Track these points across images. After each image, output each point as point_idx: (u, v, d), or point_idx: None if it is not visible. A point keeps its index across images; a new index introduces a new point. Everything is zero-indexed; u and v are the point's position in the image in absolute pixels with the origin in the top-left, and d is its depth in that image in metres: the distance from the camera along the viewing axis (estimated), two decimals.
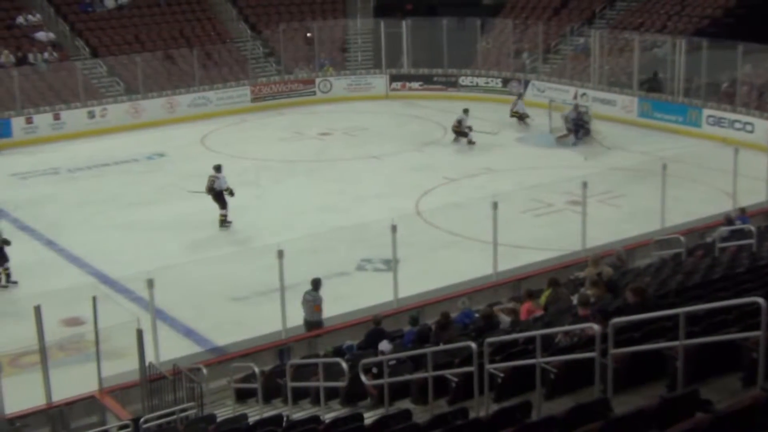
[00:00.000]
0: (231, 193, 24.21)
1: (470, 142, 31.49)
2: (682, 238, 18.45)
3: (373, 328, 15.37)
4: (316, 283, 17.37)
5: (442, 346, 12.39)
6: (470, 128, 31.64)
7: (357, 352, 15.05)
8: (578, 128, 31.27)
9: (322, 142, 33.15)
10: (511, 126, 34.33)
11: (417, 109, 37.89)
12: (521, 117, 35.22)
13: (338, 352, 15.02)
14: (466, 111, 31.94)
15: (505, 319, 14.86)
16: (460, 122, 31.98)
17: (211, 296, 19.77)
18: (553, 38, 40.09)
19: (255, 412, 13.87)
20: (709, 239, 19.08)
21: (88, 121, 35.89)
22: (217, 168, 24.57)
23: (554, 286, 15.62)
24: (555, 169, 27.70)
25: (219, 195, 24.30)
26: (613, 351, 9.43)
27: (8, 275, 21.08)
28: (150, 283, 15.66)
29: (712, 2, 37.15)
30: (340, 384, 13.00)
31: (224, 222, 24.23)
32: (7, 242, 21.00)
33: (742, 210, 20.17)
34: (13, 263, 21.91)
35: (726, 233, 18.37)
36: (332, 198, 26.49)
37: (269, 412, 13.47)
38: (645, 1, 39.41)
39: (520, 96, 36.74)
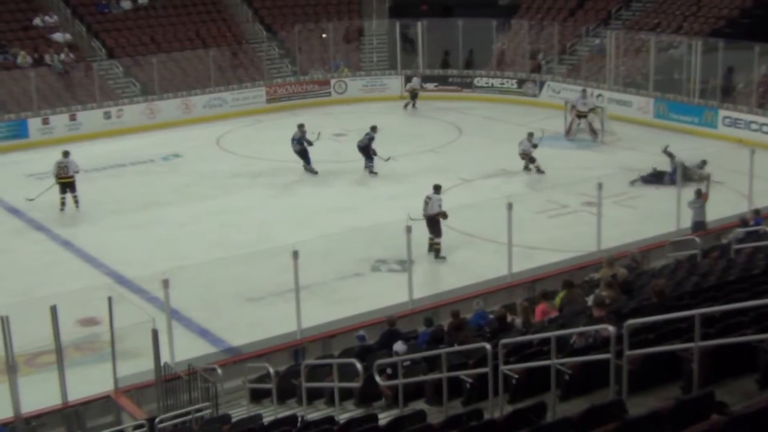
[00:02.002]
0: (444, 216, 21.94)
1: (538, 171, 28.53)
2: (697, 240, 18.41)
3: (388, 329, 15.39)
4: (699, 193, 21.30)
5: (456, 347, 12.39)
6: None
7: (367, 343, 15.13)
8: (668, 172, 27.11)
9: (337, 143, 33.16)
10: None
11: (432, 110, 37.86)
12: (413, 95, 38.37)
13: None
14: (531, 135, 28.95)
15: (517, 321, 14.87)
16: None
17: (226, 297, 19.80)
18: (569, 39, 39.98)
19: (269, 413, 13.90)
20: (724, 241, 19.05)
21: (104, 122, 36.02)
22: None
23: (569, 287, 15.62)
24: (570, 170, 27.66)
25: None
26: (628, 352, 9.41)
27: (76, 202, 26.08)
28: (165, 284, 15.71)
29: (729, 3, 37.01)
30: (355, 385, 13.01)
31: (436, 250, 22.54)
32: None
33: (757, 211, 20.12)
34: (27, 264, 22.09)
35: (742, 235, 18.32)
36: (347, 198, 26.53)
37: (284, 413, 13.49)
38: (661, 1, 39.28)
39: (415, 74, 39.65)
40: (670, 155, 25.79)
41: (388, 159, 28.75)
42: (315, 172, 29.04)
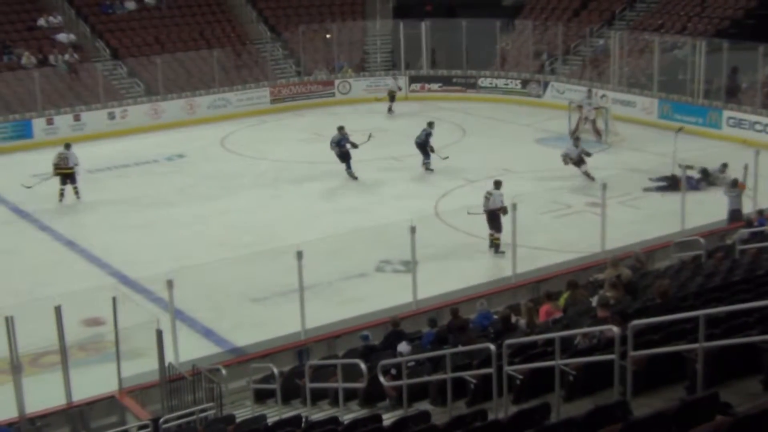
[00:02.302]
0: (505, 212, 21.24)
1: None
2: (702, 240, 18.37)
3: (392, 330, 15.39)
4: (735, 182, 21.74)
5: (461, 348, 12.39)
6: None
7: (371, 343, 15.13)
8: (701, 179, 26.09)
9: None
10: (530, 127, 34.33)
11: (436, 111, 37.83)
12: (391, 97, 38.02)
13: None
14: None
15: (521, 321, 14.87)
16: None
17: (230, 297, 19.81)
18: (573, 39, 39.99)
19: (274, 413, 13.91)
20: (729, 241, 19.01)
21: (108, 122, 36.09)
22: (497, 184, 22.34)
23: (573, 288, 15.61)
24: (574, 171, 27.61)
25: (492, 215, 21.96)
26: (632, 353, 9.41)
27: (77, 193, 27.00)
28: (170, 284, 15.72)
29: (733, 3, 36.98)
30: (359, 385, 13.01)
31: (496, 244, 21.79)
32: None
33: (761, 212, 20.11)
34: (33, 264, 22.13)
35: (746, 235, 18.29)
36: (351, 199, 26.53)
37: (288, 413, 13.50)
38: (665, 2, 39.26)
39: (394, 76, 39.67)
40: (690, 167, 25.45)
41: (446, 158, 28.67)
42: (355, 178, 28.28)
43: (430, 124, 28.93)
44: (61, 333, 14.72)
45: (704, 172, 25.73)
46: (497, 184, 21.93)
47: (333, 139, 28.42)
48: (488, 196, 21.75)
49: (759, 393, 8.86)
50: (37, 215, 25.96)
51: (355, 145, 28.35)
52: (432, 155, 28.81)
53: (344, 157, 28.37)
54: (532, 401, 10.37)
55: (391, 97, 38.39)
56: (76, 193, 27.00)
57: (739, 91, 33.27)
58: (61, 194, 26.87)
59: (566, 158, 27.54)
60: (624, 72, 36.81)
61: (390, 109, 38.14)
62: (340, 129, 28.53)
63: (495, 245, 21.65)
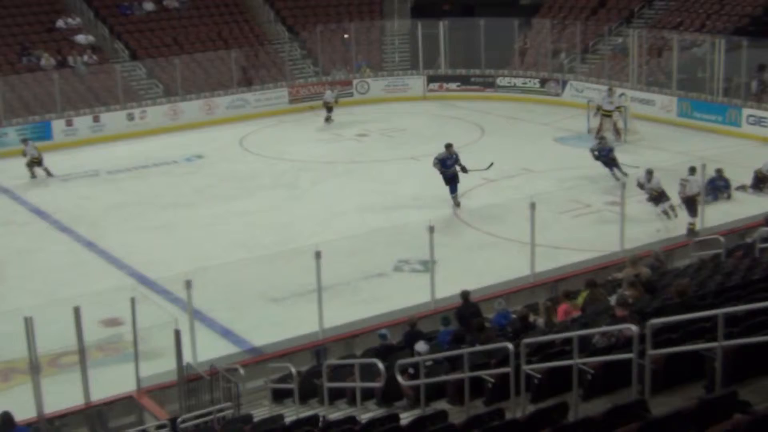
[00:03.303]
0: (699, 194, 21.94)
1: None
2: (721, 239, 18.29)
3: (409, 330, 15.38)
4: None
5: (478, 347, 12.36)
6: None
7: (389, 342, 15.12)
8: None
9: (360, 143, 33.18)
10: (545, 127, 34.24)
11: (454, 110, 37.82)
12: (328, 108, 36.64)
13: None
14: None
15: (540, 320, 14.84)
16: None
17: (248, 297, 19.82)
18: (591, 38, 39.83)
19: (291, 413, 13.92)
20: (749, 240, 18.90)
21: (127, 123, 36.19)
22: (692, 170, 21.82)
23: (592, 287, 15.58)
24: (593, 170, 27.50)
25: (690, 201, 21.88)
26: (650, 352, 9.37)
27: (49, 172, 30.29)
28: (188, 284, 15.75)
29: (752, 1, 36.76)
30: (377, 384, 13.00)
31: (692, 231, 21.42)
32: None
33: None
34: (53, 264, 22.20)
35: (766, 234, 18.18)
36: (370, 199, 26.50)
37: (306, 413, 13.49)
38: (683, 0, 39.11)
39: (331, 88, 38.39)
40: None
41: (635, 168, 26.16)
42: (458, 204, 25.00)
43: (600, 140, 27.76)
44: (79, 333, 14.79)
45: (758, 178, 25.19)
46: (692, 170, 21.71)
47: (438, 157, 25.15)
48: (684, 183, 21.56)
49: None
50: (57, 216, 26.07)
51: (465, 170, 25.21)
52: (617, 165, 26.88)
53: (449, 179, 25.08)
54: (549, 400, 10.34)
55: (328, 108, 36.96)
56: (49, 172, 30.30)
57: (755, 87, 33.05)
58: (33, 174, 30.22)
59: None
60: (643, 70, 36.66)
61: (327, 119, 36.67)
62: (448, 147, 25.20)
63: (690, 230, 21.44)
